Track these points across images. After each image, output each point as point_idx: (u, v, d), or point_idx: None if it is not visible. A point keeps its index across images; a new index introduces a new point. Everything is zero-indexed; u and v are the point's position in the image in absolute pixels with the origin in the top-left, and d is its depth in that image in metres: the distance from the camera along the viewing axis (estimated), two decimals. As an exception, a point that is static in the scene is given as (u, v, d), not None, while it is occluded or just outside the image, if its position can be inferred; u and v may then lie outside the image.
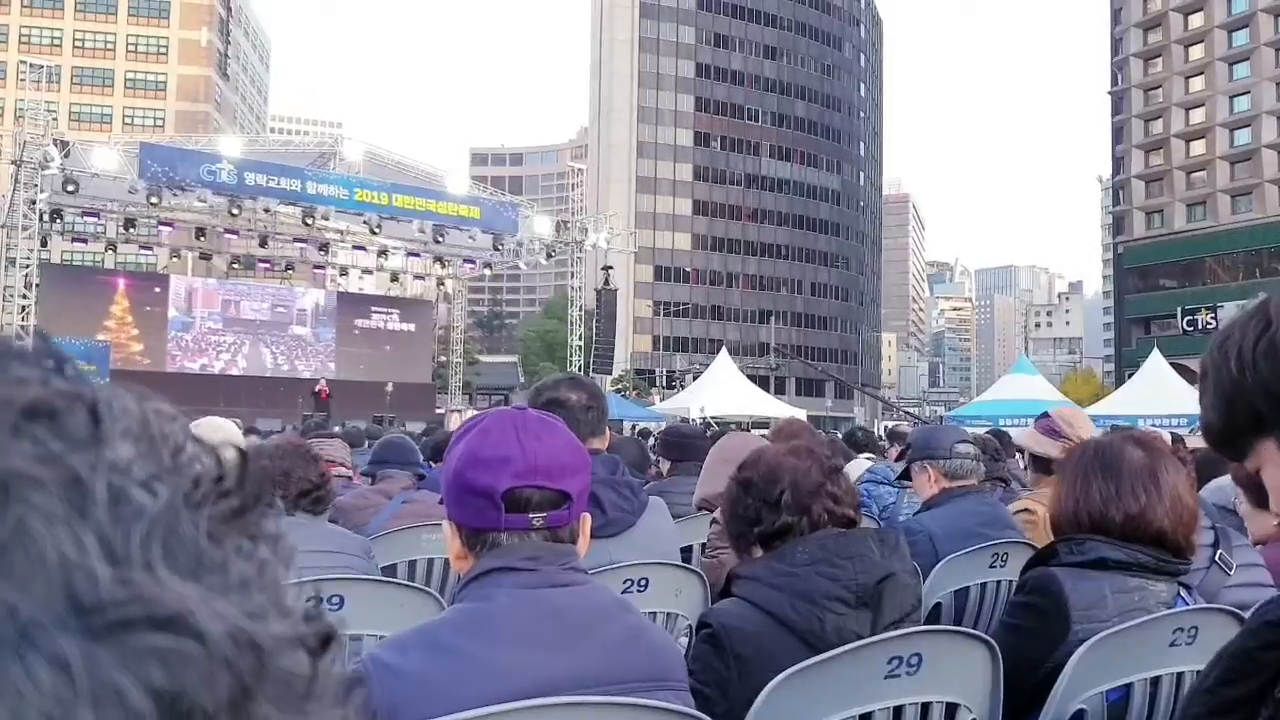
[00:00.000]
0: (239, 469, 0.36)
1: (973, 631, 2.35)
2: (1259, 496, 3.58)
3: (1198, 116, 77.81)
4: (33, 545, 0.29)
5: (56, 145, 30.11)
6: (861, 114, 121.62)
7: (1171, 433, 10.16)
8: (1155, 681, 2.50)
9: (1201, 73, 77.65)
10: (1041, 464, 4.46)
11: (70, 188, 30.13)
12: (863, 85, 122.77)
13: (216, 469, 0.36)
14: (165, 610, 0.30)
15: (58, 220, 33.46)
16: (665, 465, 6.13)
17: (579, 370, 39.76)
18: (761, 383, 50.07)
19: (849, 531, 2.49)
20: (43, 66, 47.03)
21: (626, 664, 1.77)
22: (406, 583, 3.53)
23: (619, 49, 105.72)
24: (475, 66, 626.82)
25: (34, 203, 30.58)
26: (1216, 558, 3.11)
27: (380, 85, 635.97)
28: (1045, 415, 4.69)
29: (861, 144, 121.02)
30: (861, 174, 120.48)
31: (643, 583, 3.10)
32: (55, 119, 42.78)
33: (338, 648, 0.36)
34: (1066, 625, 2.52)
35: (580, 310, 43.82)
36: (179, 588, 0.31)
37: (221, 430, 4.43)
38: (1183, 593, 2.67)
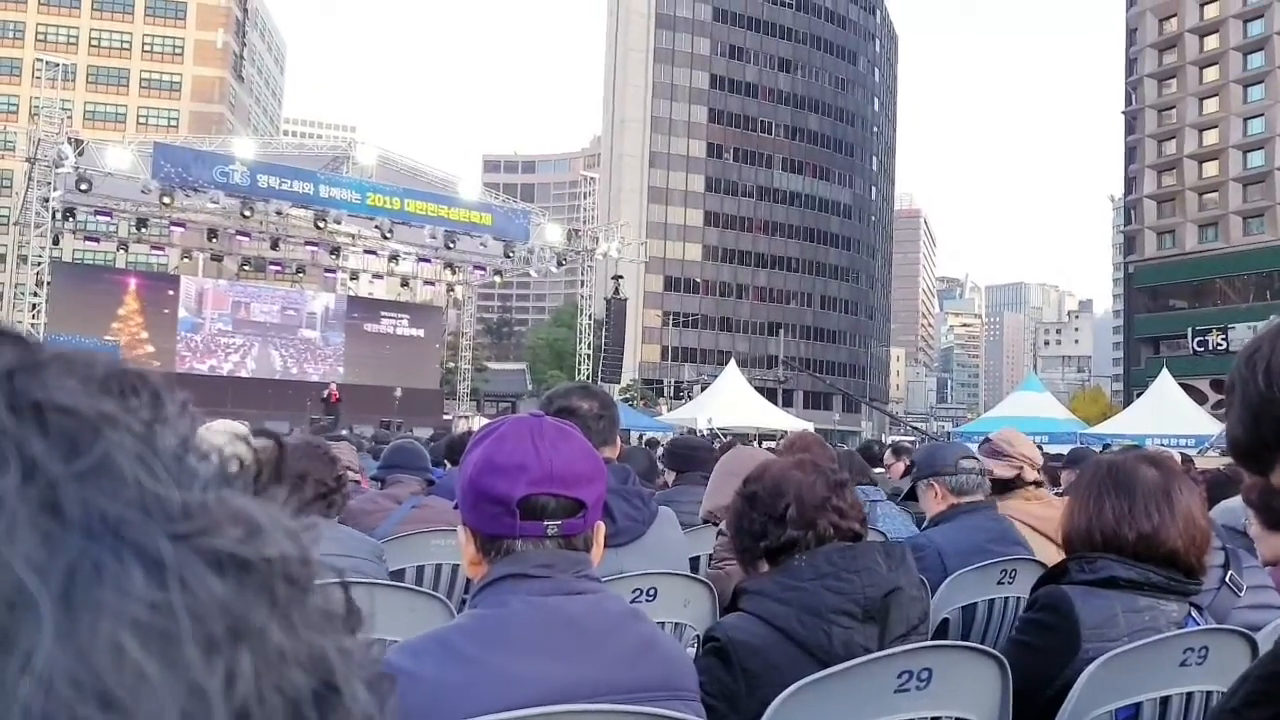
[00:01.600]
0: (273, 465, 0.40)
1: (983, 647, 2.35)
2: (1269, 517, 3.58)
3: (1211, 138, 77.64)
4: (117, 471, 0.33)
5: (71, 144, 30.17)
6: (874, 128, 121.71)
7: (1181, 453, 10.14)
8: (1165, 701, 2.49)
9: (1216, 94, 77.48)
10: (995, 485, 4.59)
11: (83, 186, 30.17)
12: (876, 100, 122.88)
13: (254, 462, 0.41)
14: (236, 521, 0.35)
15: (70, 219, 33.46)
16: (670, 475, 6.15)
17: (587, 379, 39.76)
18: (769, 395, 50.14)
19: (855, 545, 2.48)
20: (58, 65, 47.07)
21: (638, 673, 1.77)
22: (415, 588, 3.53)
23: (633, 59, 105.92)
24: (489, 73, 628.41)
25: (47, 201, 30.65)
26: (1227, 579, 3.10)
27: (394, 91, 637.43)
28: (986, 440, 4.98)
29: (874, 158, 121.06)
30: (873, 188, 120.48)
31: (651, 592, 3.10)
32: (70, 117, 42.98)
33: (361, 618, 0.40)
34: (1077, 643, 2.52)
35: (589, 319, 43.81)
36: (246, 504, 0.37)
37: (233, 433, 4.43)
38: (1193, 613, 2.67)
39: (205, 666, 0.31)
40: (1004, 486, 4.60)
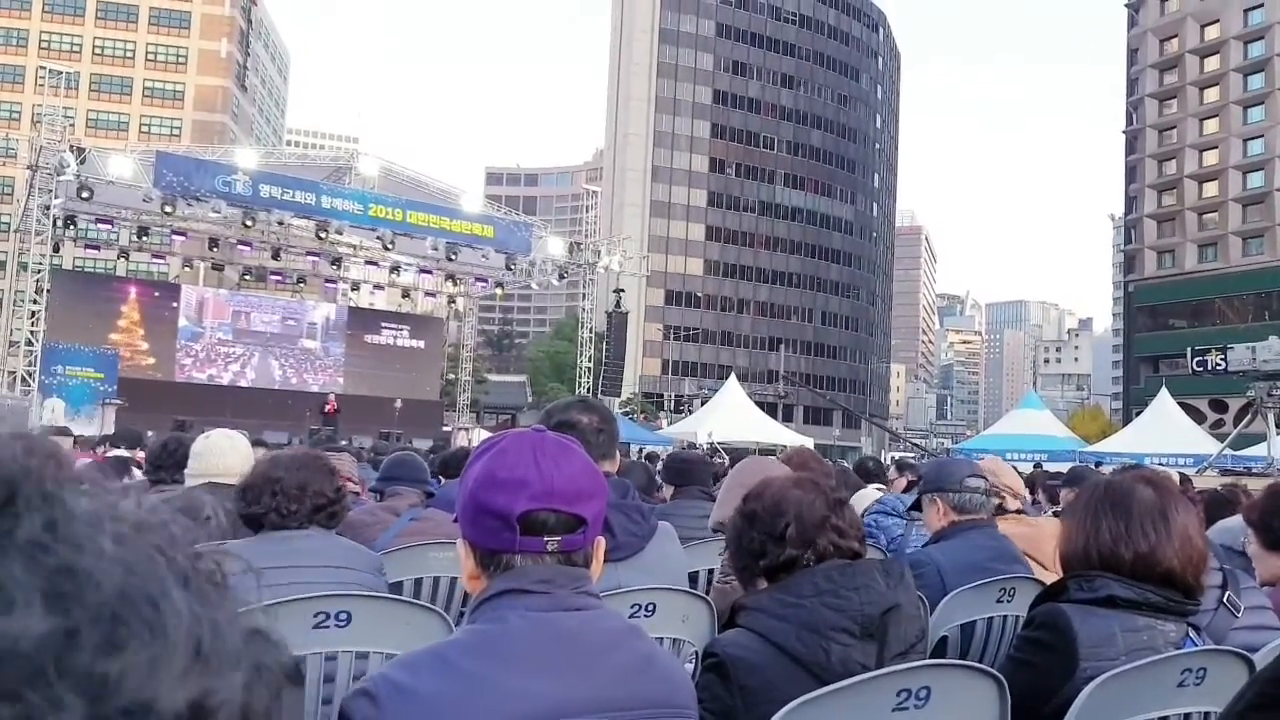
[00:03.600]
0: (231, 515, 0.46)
1: (981, 666, 2.34)
2: (1268, 537, 3.58)
3: (1211, 158, 77.74)
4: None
5: (73, 151, 30.15)
6: (876, 145, 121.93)
7: (1179, 473, 10.11)
8: (1163, 722, 2.48)
9: (1216, 115, 77.60)
10: None
11: (85, 194, 30.14)
12: (878, 117, 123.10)
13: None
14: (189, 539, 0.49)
15: (71, 226, 33.50)
16: (668, 490, 6.14)
17: (587, 392, 39.74)
18: (769, 410, 50.05)
19: (854, 563, 2.48)
20: (62, 72, 47.11)
21: (637, 690, 1.76)
22: (414, 601, 3.52)
23: (637, 73, 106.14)
24: (493, 86, 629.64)
25: (48, 208, 30.61)
26: (1225, 599, 3.09)
27: (398, 102, 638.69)
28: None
29: (876, 175, 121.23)
30: (875, 205, 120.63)
31: (650, 608, 3.08)
32: (72, 125, 43.01)
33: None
34: (1074, 662, 2.51)
35: (590, 332, 43.76)
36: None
37: (233, 442, 4.43)
38: (1191, 634, 2.66)
39: (182, 588, 0.43)
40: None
